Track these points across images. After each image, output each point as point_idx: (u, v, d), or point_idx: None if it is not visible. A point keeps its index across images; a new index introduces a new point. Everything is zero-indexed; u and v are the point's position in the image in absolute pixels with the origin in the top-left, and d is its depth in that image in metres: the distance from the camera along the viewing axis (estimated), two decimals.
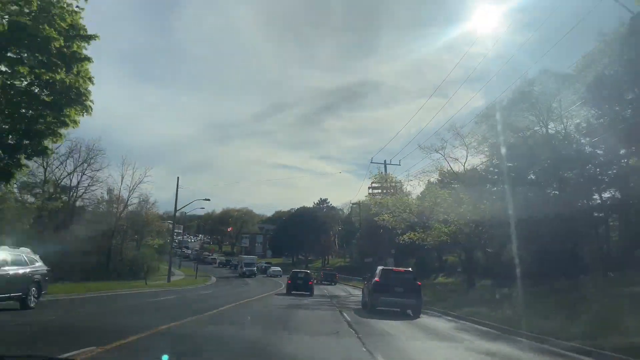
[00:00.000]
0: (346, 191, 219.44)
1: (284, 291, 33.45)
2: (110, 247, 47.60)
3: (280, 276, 67.18)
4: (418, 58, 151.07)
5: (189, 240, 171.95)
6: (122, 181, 50.09)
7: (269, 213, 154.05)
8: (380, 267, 21.95)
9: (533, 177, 27.62)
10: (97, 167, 46.50)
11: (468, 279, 30.05)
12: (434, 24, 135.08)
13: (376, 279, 20.09)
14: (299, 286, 32.19)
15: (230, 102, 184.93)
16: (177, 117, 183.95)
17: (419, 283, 20.00)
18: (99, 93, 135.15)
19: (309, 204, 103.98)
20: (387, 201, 32.94)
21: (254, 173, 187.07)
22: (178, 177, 50.55)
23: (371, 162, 45.47)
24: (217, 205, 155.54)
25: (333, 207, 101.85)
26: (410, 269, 22.82)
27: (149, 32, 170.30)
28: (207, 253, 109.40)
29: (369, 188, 66.66)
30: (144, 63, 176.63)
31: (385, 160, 40.88)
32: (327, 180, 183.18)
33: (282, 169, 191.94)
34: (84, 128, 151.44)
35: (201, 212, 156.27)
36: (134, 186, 50.98)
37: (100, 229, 44.62)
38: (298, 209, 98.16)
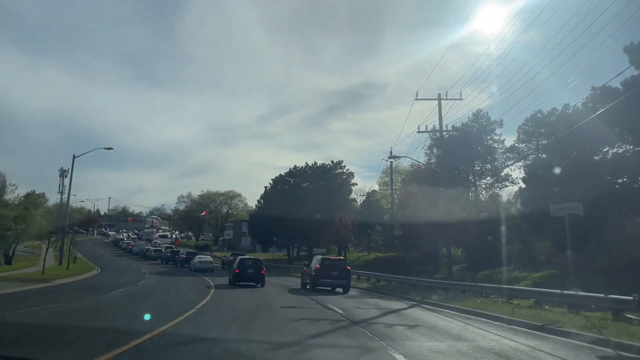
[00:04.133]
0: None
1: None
2: None
3: (213, 270, 42.35)
4: (422, 58, 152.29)
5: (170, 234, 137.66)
6: None
7: None
8: (319, 257, 27.64)
9: None
10: None
11: None
12: (438, 25, 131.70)
13: (317, 265, 25.47)
14: (249, 276, 27.37)
15: (234, 104, 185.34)
16: (181, 120, 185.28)
17: (348, 268, 26.53)
18: (103, 96, 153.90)
19: None
20: None
21: (259, 175, 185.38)
22: None
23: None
24: None
25: (352, 174, 63.46)
26: (342, 257, 32.84)
27: (153, 35, 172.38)
28: (155, 245, 72.82)
29: None
30: (149, 66, 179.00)
31: None
32: None
33: (288, 171, 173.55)
34: (91, 132, 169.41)
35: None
36: None
37: None
38: (295, 167, 60.22)
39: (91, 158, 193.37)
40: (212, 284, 27.11)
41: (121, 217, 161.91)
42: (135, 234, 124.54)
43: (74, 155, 40.65)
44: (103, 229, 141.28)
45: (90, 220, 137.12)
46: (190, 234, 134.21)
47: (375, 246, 70.86)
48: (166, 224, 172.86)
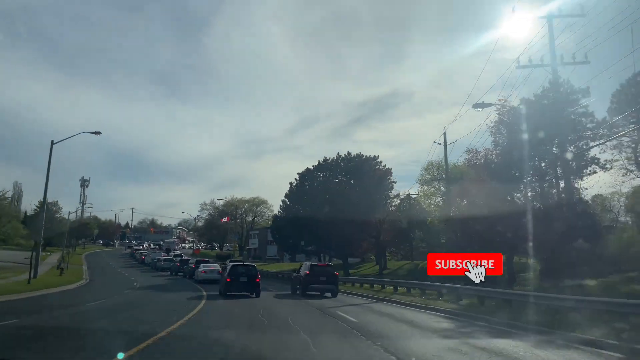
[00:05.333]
0: None
1: None
2: None
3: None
4: (448, 66, 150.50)
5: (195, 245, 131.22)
6: None
7: None
8: (308, 263, 29.44)
9: None
10: None
11: None
12: (463, 32, 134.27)
13: (306, 271, 26.58)
14: (242, 285, 24.10)
15: (262, 117, 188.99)
16: (210, 135, 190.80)
17: (336, 273, 27.78)
18: (134, 112, 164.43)
19: None
20: None
21: (287, 187, 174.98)
22: None
23: None
24: None
25: (389, 170, 53.59)
26: (329, 263, 33.57)
27: (182, 52, 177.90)
28: (172, 255, 64.89)
29: None
30: (178, 82, 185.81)
31: None
32: None
33: (317, 163, 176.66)
34: (125, 148, 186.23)
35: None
36: None
37: None
38: (325, 159, 51.06)
39: (124, 173, 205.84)
40: (202, 300, 19.04)
41: (148, 229, 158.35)
42: (157, 244, 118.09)
43: (52, 141, 32.94)
44: (127, 240, 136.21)
45: (111, 231, 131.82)
46: (217, 244, 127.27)
47: (417, 254, 61.21)
48: (193, 235, 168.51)
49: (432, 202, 60.85)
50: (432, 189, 61.82)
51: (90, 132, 33.74)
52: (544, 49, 33.49)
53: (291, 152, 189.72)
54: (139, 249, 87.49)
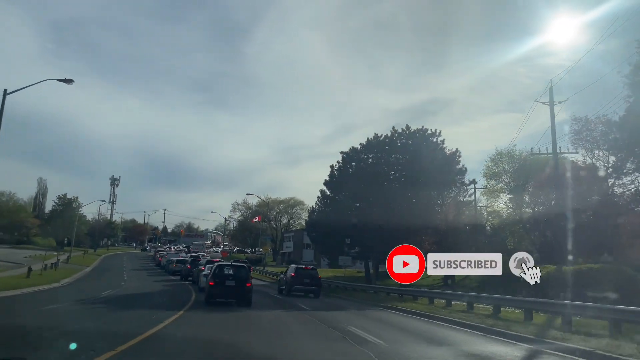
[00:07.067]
0: None
1: None
2: None
3: None
4: (490, 72, 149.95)
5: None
6: None
7: None
8: (294, 266, 31.18)
9: None
10: None
11: None
12: (504, 37, 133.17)
13: (292, 273, 28.91)
14: (228, 290, 19.66)
15: (299, 125, 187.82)
16: (248, 142, 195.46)
17: (319, 276, 29.77)
18: (175, 120, 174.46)
19: None
20: None
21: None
22: None
23: None
24: None
25: (457, 151, 40.96)
26: (314, 266, 33.90)
27: (222, 61, 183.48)
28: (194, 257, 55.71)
29: None
30: (217, 90, 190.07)
31: None
32: None
33: (366, 141, 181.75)
34: (166, 155, 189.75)
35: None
36: None
37: None
38: (376, 136, 40.02)
39: (162, 179, 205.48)
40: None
41: (185, 232, 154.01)
42: (187, 247, 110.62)
43: (5, 90, 24.05)
44: (158, 243, 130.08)
45: (138, 232, 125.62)
46: (249, 248, 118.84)
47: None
48: (228, 239, 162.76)
49: (500, 200, 49.81)
50: (500, 184, 50.62)
51: (58, 80, 24.95)
52: None
53: (328, 159, 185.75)
54: (161, 251, 79.34)
